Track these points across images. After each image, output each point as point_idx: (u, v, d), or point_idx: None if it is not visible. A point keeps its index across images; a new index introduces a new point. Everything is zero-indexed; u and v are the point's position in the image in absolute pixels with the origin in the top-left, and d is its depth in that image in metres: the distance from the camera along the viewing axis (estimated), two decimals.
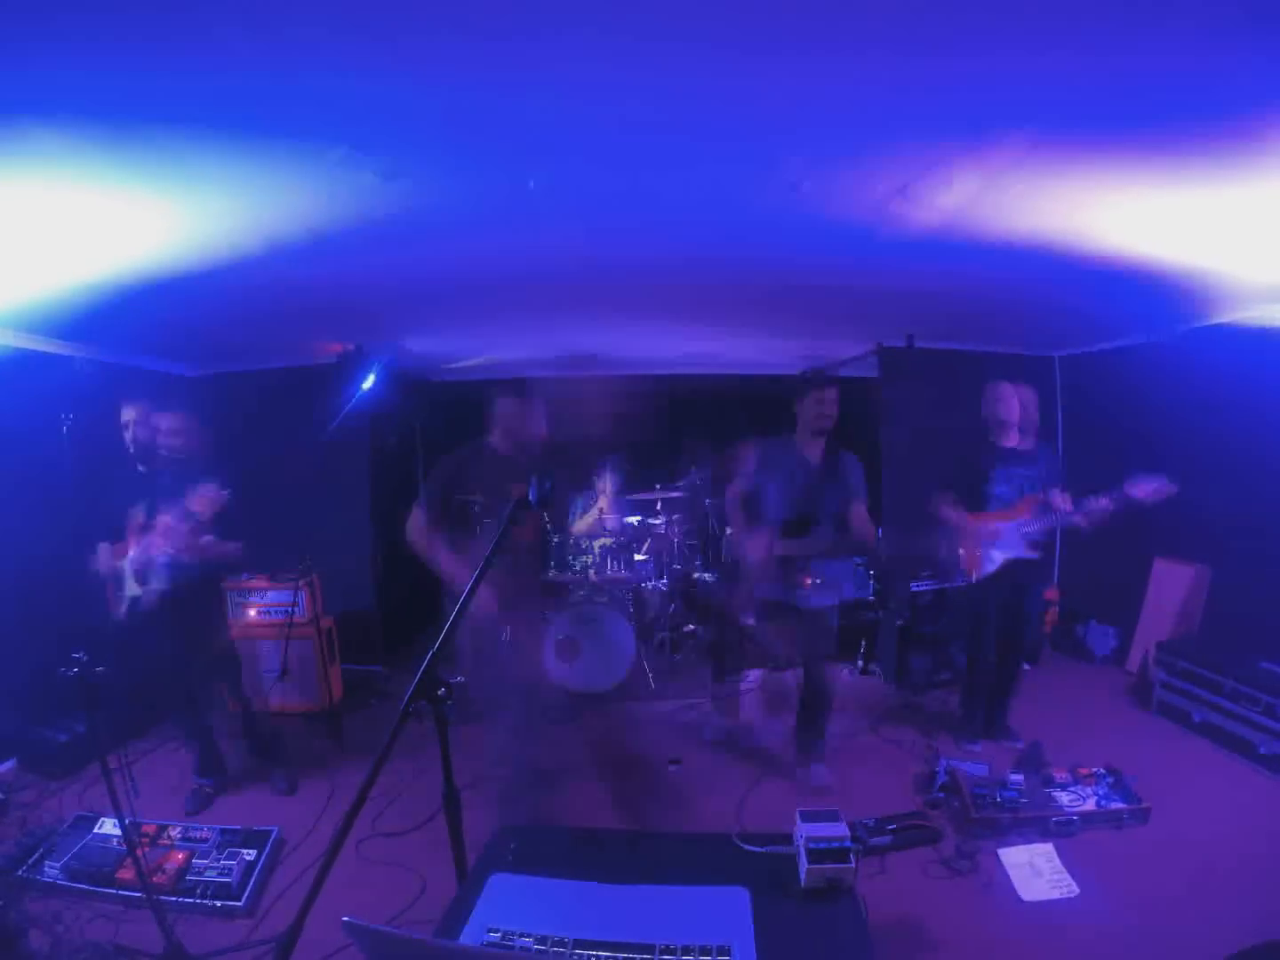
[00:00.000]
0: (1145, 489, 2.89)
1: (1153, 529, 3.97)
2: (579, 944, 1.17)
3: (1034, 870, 2.42)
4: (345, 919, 0.83)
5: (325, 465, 4.63)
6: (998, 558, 3.20)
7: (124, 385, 3.11)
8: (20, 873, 2.40)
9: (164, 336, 3.93)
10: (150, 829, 2.57)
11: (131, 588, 2.82)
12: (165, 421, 2.94)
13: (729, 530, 3.22)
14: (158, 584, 2.80)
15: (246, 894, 2.32)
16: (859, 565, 4.97)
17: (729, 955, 1.15)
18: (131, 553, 2.81)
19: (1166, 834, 2.58)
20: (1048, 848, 2.53)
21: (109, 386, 3.31)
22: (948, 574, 3.79)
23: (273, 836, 2.58)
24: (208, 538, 2.84)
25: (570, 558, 4.62)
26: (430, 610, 5.50)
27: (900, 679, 4.22)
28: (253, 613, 3.96)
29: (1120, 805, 2.68)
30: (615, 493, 4.90)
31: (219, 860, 2.42)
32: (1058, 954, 2.08)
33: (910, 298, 3.59)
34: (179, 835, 2.56)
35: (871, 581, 4.86)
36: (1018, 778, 2.84)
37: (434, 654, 1.30)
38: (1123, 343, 4.55)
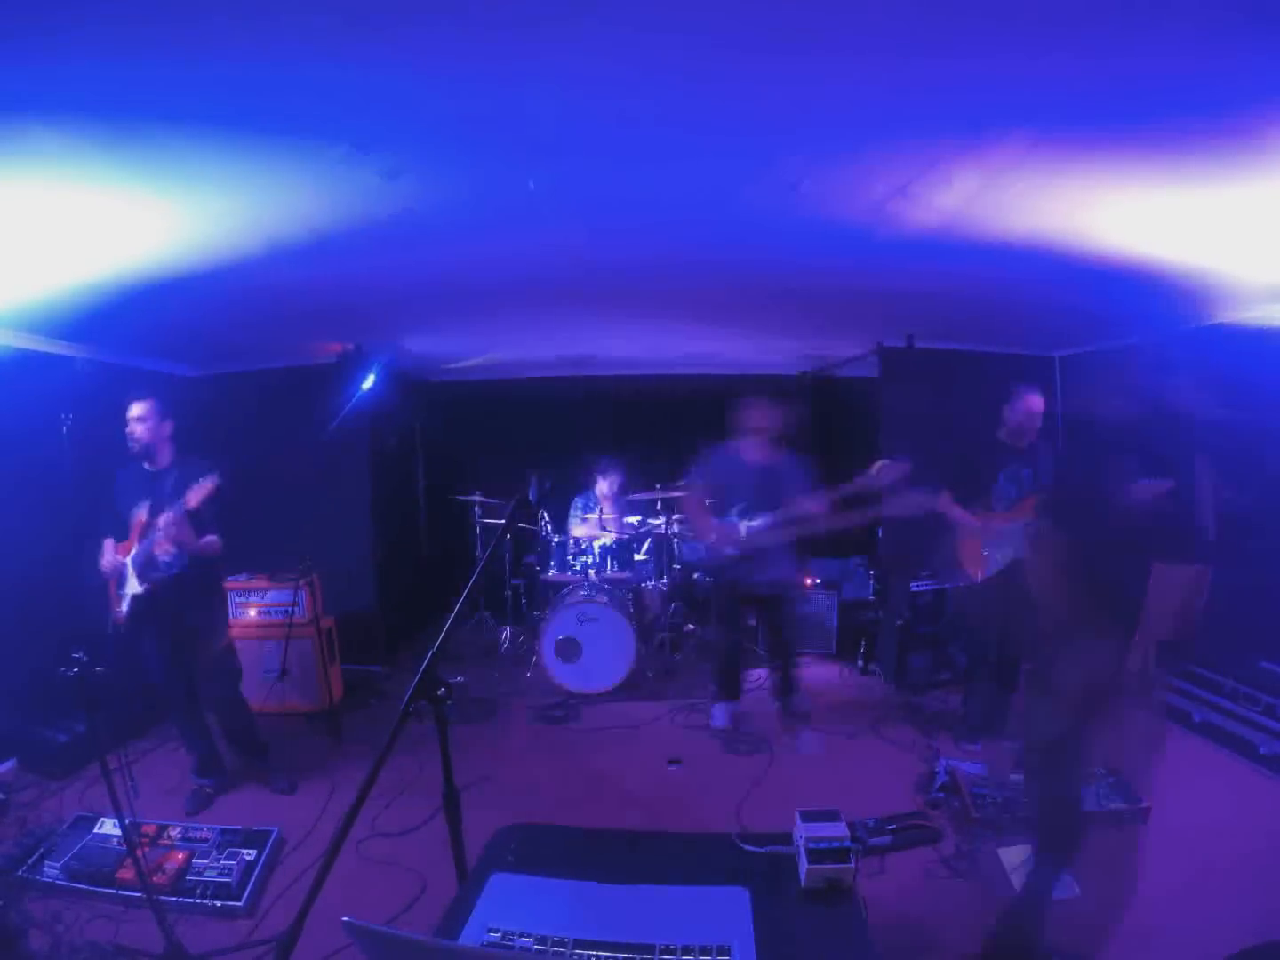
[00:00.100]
0: (1146, 488, 2.90)
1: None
2: (579, 944, 1.17)
3: None
4: (345, 919, 0.83)
5: (325, 465, 4.63)
6: (1002, 558, 3.21)
7: (124, 385, 3.10)
8: (20, 873, 2.40)
9: (164, 337, 3.93)
10: (150, 829, 2.57)
11: (133, 586, 2.83)
12: (168, 421, 2.95)
13: (693, 528, 3.92)
14: (160, 582, 2.81)
15: (246, 894, 2.32)
16: (859, 565, 4.98)
17: (729, 955, 1.15)
18: (134, 551, 2.82)
19: (1166, 834, 2.58)
20: None
21: (109, 386, 3.31)
22: (948, 574, 3.80)
23: (273, 836, 2.58)
24: (210, 537, 2.86)
25: (570, 558, 4.63)
26: (429, 611, 5.57)
27: (900, 679, 4.22)
28: (253, 613, 3.96)
29: (1120, 805, 2.68)
30: (615, 493, 4.91)
31: (219, 860, 2.42)
32: (1058, 954, 2.08)
33: (910, 298, 3.59)
34: (179, 835, 2.56)
35: (871, 581, 4.86)
36: (1018, 778, 2.84)
37: (434, 654, 1.30)
38: (1123, 343, 4.55)
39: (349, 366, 4.53)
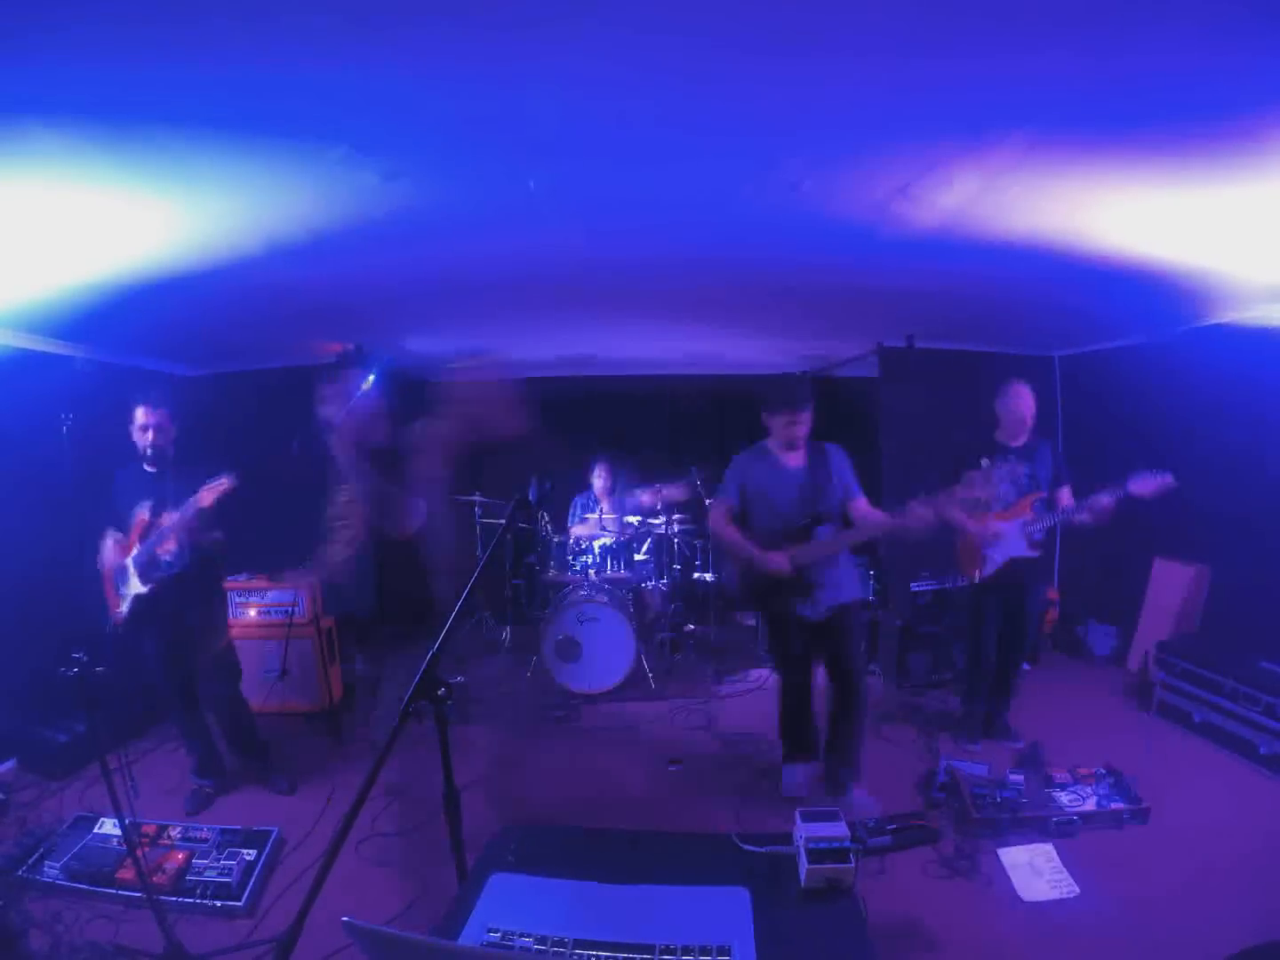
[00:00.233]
0: (1147, 485, 2.91)
1: (1153, 529, 3.98)
2: (579, 944, 1.17)
3: (1034, 870, 2.42)
4: (345, 919, 0.83)
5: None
6: (999, 557, 3.21)
7: (124, 385, 3.10)
8: (20, 873, 2.40)
9: (164, 336, 3.93)
10: (150, 829, 2.57)
11: (135, 585, 2.83)
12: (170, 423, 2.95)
13: (725, 544, 2.95)
14: (162, 582, 2.82)
15: (246, 894, 2.32)
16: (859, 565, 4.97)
17: (729, 955, 1.15)
18: (135, 550, 2.82)
19: (1166, 834, 2.58)
20: (1048, 848, 2.52)
21: (109, 386, 3.31)
22: (948, 573, 3.79)
23: (273, 836, 2.58)
24: (216, 534, 2.86)
25: (570, 558, 4.63)
26: (430, 610, 5.55)
27: (900, 679, 4.22)
28: (253, 613, 3.96)
29: (1120, 805, 2.68)
30: (615, 493, 4.91)
31: (219, 860, 2.42)
32: (1058, 954, 2.08)
33: (910, 298, 3.59)
34: (179, 835, 2.57)
35: (872, 581, 4.86)
36: (1018, 778, 2.84)
37: (434, 654, 1.30)
38: (1123, 343, 4.55)
39: (349, 366, 4.51)
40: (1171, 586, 4.20)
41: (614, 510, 4.82)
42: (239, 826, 2.62)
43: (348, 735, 3.63)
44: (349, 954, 1.92)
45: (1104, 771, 2.88)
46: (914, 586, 4.31)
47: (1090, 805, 2.70)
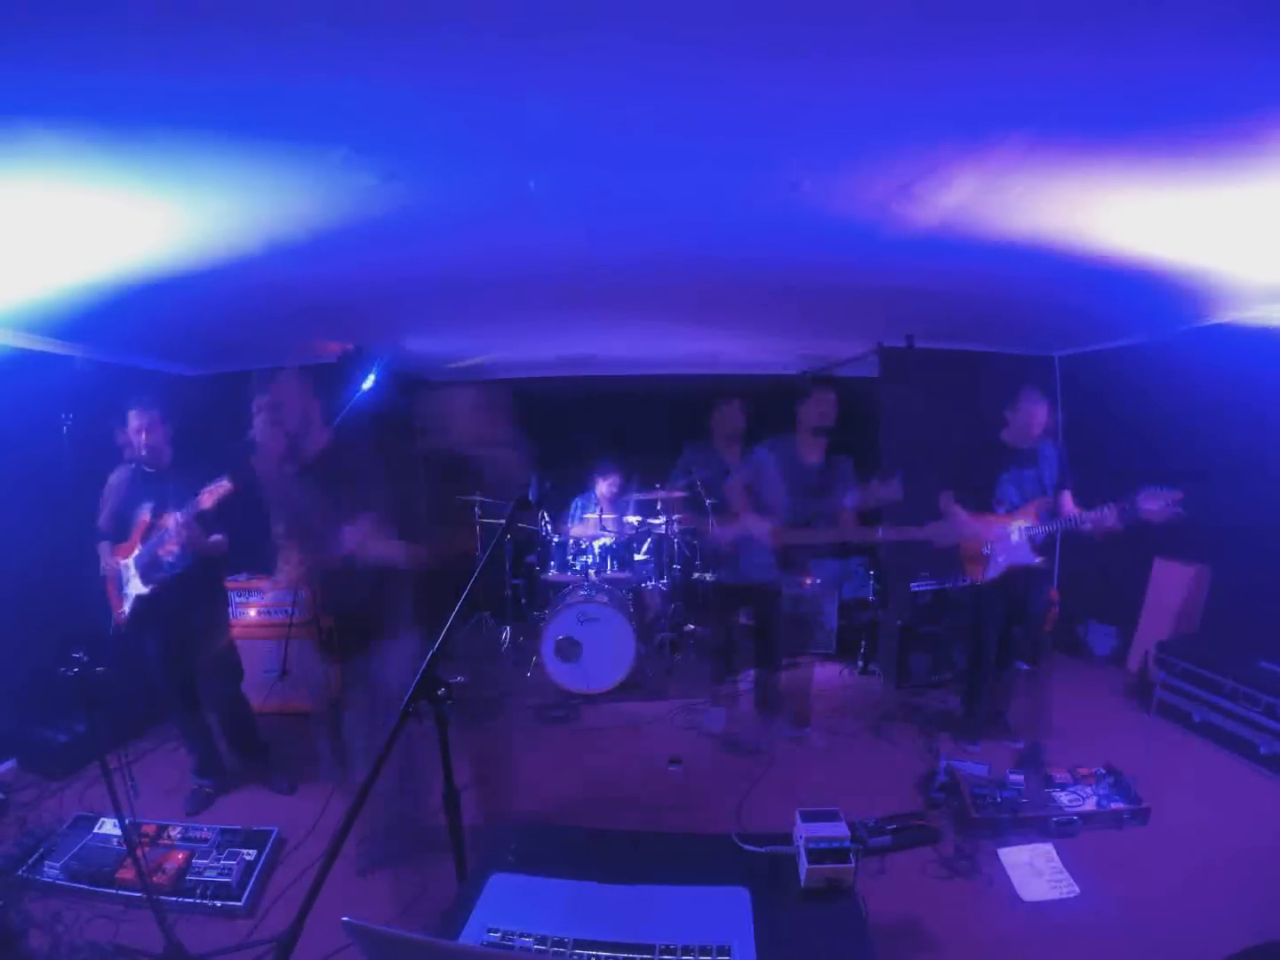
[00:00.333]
0: (1156, 504, 2.88)
1: (1153, 529, 3.98)
2: (579, 944, 1.17)
3: (1034, 870, 2.42)
4: (345, 919, 0.83)
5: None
6: (1003, 562, 3.20)
7: (124, 385, 3.10)
8: (20, 873, 2.40)
9: (163, 336, 3.93)
10: (150, 829, 2.57)
11: (136, 586, 2.83)
12: (168, 424, 2.94)
13: (727, 512, 3.47)
14: (163, 582, 2.81)
15: (246, 894, 2.32)
16: (859, 565, 4.98)
17: (729, 955, 1.15)
18: (138, 551, 2.81)
19: (1166, 834, 2.58)
20: (1048, 848, 2.52)
21: (109, 386, 3.31)
22: (948, 574, 3.79)
23: (273, 836, 2.58)
24: (217, 536, 2.86)
25: (570, 558, 4.63)
26: (429, 610, 5.55)
27: (900, 679, 4.22)
28: (253, 612, 3.96)
29: (1120, 805, 2.69)
30: (615, 493, 4.91)
31: (219, 860, 2.42)
32: (1058, 954, 2.08)
33: (910, 297, 3.59)
34: (179, 835, 2.57)
35: (872, 581, 4.86)
36: (1018, 778, 2.84)
37: (434, 654, 1.30)
38: (1123, 343, 4.55)
39: (349, 366, 4.52)
40: (1171, 586, 4.20)
41: (614, 510, 4.82)
42: (239, 826, 2.62)
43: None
44: (349, 954, 1.92)
45: (1104, 771, 2.88)
46: (914, 586, 4.31)
47: (1090, 805, 2.70)
